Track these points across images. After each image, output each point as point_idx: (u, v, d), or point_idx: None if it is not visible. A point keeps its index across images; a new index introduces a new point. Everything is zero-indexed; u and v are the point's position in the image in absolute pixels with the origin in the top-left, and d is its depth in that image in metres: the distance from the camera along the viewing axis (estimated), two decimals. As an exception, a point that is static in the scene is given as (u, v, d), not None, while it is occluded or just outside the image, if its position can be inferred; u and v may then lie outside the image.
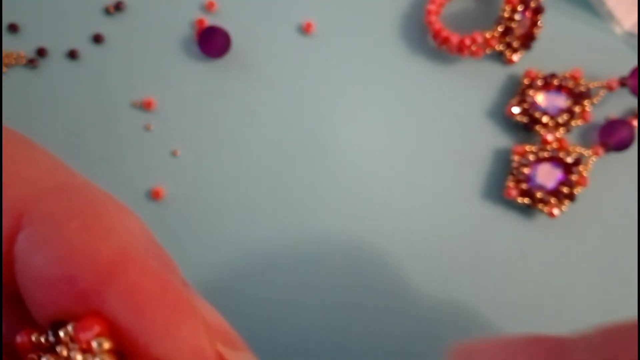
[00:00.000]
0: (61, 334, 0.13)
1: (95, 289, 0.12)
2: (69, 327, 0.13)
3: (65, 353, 0.12)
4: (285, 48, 0.32)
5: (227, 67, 0.31)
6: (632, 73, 0.29)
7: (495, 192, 0.29)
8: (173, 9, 0.32)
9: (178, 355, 0.13)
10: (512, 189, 0.28)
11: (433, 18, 0.31)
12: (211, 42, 0.31)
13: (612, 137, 0.28)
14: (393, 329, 0.26)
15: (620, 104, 0.30)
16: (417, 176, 0.29)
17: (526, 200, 0.27)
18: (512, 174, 0.28)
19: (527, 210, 0.28)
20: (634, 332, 0.12)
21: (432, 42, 0.32)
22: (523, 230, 0.28)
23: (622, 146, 0.28)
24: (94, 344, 0.12)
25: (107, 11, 0.32)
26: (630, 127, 0.28)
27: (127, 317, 0.12)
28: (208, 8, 0.32)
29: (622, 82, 0.29)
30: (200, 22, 0.32)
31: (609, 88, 0.29)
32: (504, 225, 0.28)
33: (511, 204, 0.28)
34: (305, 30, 0.32)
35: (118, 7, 0.32)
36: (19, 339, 0.13)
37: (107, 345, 0.12)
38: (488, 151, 0.29)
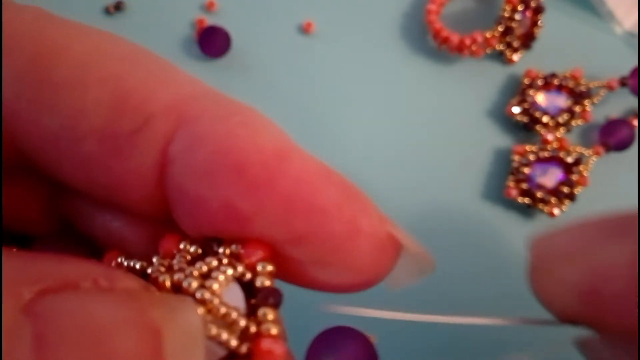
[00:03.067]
0: (220, 249, 0.13)
1: (265, 176, 0.12)
2: (234, 246, 0.13)
3: (213, 264, 0.13)
4: (285, 48, 0.32)
5: (227, 67, 0.31)
6: (632, 73, 0.29)
7: (495, 192, 0.29)
8: (173, 9, 0.32)
9: (352, 233, 0.13)
10: (512, 188, 0.28)
11: (433, 18, 0.31)
12: (211, 42, 0.31)
13: (612, 136, 0.28)
14: (391, 327, 0.26)
15: (620, 104, 0.30)
16: (417, 176, 0.29)
17: (526, 200, 0.27)
18: (512, 173, 0.28)
19: (527, 210, 0.28)
20: None
21: (432, 42, 0.32)
22: (523, 230, 0.28)
23: (622, 146, 0.28)
24: (259, 267, 0.13)
25: (107, 11, 0.32)
26: (631, 126, 0.28)
27: (300, 200, 0.12)
28: (208, 8, 0.32)
29: (623, 82, 0.29)
30: (200, 22, 0.32)
31: (609, 88, 0.29)
32: (504, 225, 0.28)
33: (511, 204, 0.28)
34: (305, 30, 0.32)
35: (118, 7, 0.32)
36: (164, 243, 0.13)
37: (270, 268, 0.13)
38: (488, 151, 0.29)
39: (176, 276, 0.12)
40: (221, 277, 0.12)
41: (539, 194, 0.27)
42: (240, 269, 0.13)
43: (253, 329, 0.12)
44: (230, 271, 0.12)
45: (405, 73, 0.31)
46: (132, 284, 0.11)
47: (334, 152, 0.29)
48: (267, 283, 0.13)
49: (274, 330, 0.12)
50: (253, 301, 0.13)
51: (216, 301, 0.12)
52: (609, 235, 0.14)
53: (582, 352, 0.15)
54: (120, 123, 0.12)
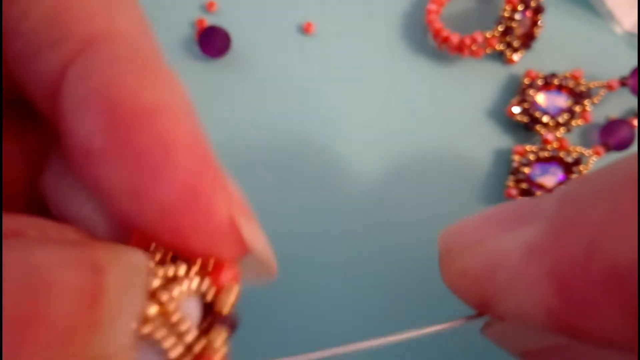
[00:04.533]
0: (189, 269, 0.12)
1: (129, 121, 0.12)
2: (210, 263, 0.13)
3: (181, 271, 0.12)
4: (285, 48, 0.32)
5: (227, 67, 0.31)
6: (633, 73, 0.29)
7: (496, 192, 0.29)
8: (173, 9, 0.32)
9: (191, 206, 0.12)
10: (512, 188, 0.28)
11: (433, 18, 0.31)
12: (211, 42, 0.31)
13: (612, 137, 0.28)
14: (391, 325, 0.26)
15: (620, 104, 0.30)
16: (417, 176, 0.29)
17: (526, 200, 0.27)
18: (512, 173, 0.28)
19: (527, 210, 0.28)
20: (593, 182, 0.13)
21: (432, 42, 0.32)
22: (523, 230, 0.28)
23: (622, 146, 0.28)
24: (224, 292, 0.13)
25: (107, 11, 0.32)
26: (631, 127, 0.28)
27: (151, 156, 0.12)
28: (208, 8, 0.32)
29: (623, 82, 0.29)
30: (200, 22, 0.32)
31: (610, 88, 0.29)
32: (504, 225, 0.28)
33: (511, 204, 0.28)
34: (305, 30, 0.32)
35: (118, 7, 0.32)
36: (132, 243, 0.13)
37: (233, 296, 0.13)
38: (488, 151, 0.29)
39: None
40: (184, 285, 0.12)
41: (539, 194, 0.27)
42: (205, 285, 0.13)
43: (199, 347, 0.12)
44: (195, 282, 0.12)
45: (405, 73, 0.31)
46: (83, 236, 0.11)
47: (334, 151, 0.29)
48: (226, 310, 0.13)
49: (219, 355, 0.12)
50: (207, 321, 0.12)
51: (172, 306, 0.12)
52: (504, 225, 0.14)
53: (488, 336, 0.16)
54: (43, 32, 0.13)
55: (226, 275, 0.13)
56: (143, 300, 0.11)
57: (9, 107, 0.15)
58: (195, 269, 0.13)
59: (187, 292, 0.12)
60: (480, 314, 0.14)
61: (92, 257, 0.10)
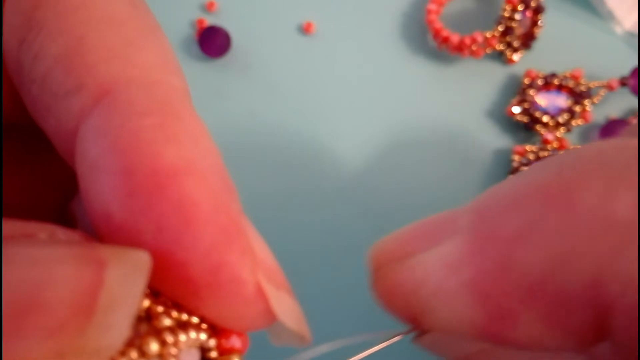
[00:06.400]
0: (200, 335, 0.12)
1: (148, 187, 0.11)
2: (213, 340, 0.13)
3: (193, 320, 0.12)
4: (285, 48, 0.32)
5: (227, 67, 0.31)
6: (633, 73, 0.29)
7: (496, 192, 0.29)
8: (173, 9, 0.32)
9: (215, 280, 0.12)
10: (513, 188, 0.28)
11: (433, 18, 0.31)
12: (211, 42, 0.31)
13: (612, 136, 0.28)
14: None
15: (620, 104, 0.30)
16: (417, 176, 0.29)
17: (526, 200, 0.27)
18: (512, 173, 0.28)
19: (527, 210, 0.28)
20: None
21: (432, 42, 0.32)
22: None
23: (622, 146, 0.28)
24: (228, 356, 0.12)
25: (107, 11, 0.32)
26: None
27: (172, 227, 0.11)
28: (208, 8, 0.32)
29: (623, 82, 0.29)
30: (201, 22, 0.32)
31: (610, 88, 0.29)
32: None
33: (511, 204, 0.28)
34: (305, 30, 0.32)
35: (118, 7, 0.32)
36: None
37: (241, 357, 0.13)
38: (488, 151, 0.29)
39: (157, 306, 0.12)
40: (192, 334, 0.12)
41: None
42: (212, 343, 0.12)
43: None
44: (203, 336, 0.12)
45: (405, 73, 0.31)
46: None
47: (333, 152, 0.29)
48: None
49: None
50: None
51: (173, 350, 0.12)
52: (427, 240, 0.15)
53: (421, 346, 0.16)
54: (57, 79, 0.12)
55: (234, 341, 0.13)
56: (142, 296, 0.11)
57: (42, 134, 0.14)
58: (206, 324, 0.12)
59: (192, 342, 0.12)
60: (414, 329, 0.15)
61: (95, 253, 0.10)
